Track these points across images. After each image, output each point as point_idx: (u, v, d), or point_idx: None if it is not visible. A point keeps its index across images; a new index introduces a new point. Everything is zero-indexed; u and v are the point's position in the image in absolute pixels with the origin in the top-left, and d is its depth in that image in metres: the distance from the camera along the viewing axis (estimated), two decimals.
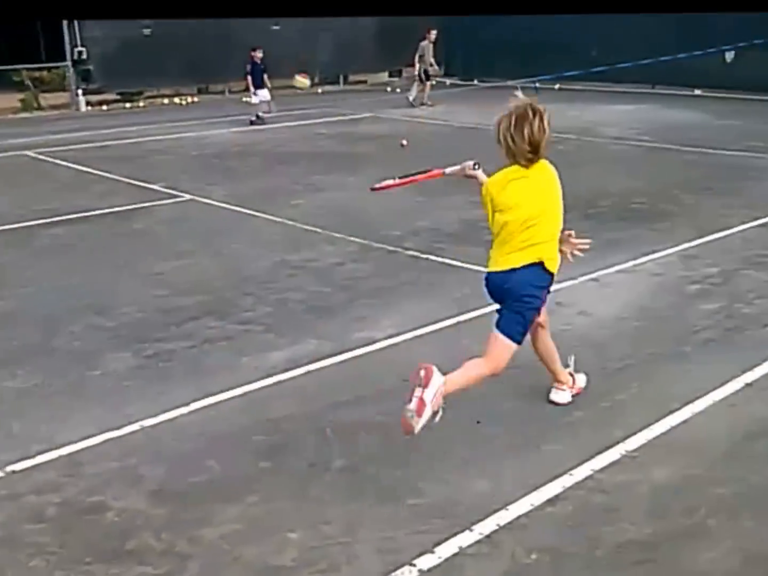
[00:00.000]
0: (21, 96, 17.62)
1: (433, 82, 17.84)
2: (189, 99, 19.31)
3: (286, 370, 4.47)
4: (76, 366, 4.63)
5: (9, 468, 3.51)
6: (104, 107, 18.13)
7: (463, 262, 6.28)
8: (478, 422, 3.82)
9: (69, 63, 17.60)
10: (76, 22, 17.03)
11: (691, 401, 3.98)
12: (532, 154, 3.44)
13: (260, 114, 14.55)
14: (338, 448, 3.63)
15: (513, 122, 3.41)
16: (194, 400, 4.10)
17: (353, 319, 5.26)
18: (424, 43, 17.07)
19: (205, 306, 5.54)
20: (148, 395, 4.22)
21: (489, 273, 3.62)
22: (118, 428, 3.84)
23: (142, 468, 3.52)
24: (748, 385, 4.19)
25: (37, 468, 3.53)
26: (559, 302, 5.12)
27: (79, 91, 17.77)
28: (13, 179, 10.45)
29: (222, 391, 4.20)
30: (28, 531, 3.10)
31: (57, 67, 17.99)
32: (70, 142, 12.88)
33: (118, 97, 18.76)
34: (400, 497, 3.25)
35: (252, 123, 14.47)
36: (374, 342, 4.83)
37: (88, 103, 17.95)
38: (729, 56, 17.08)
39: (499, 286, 3.56)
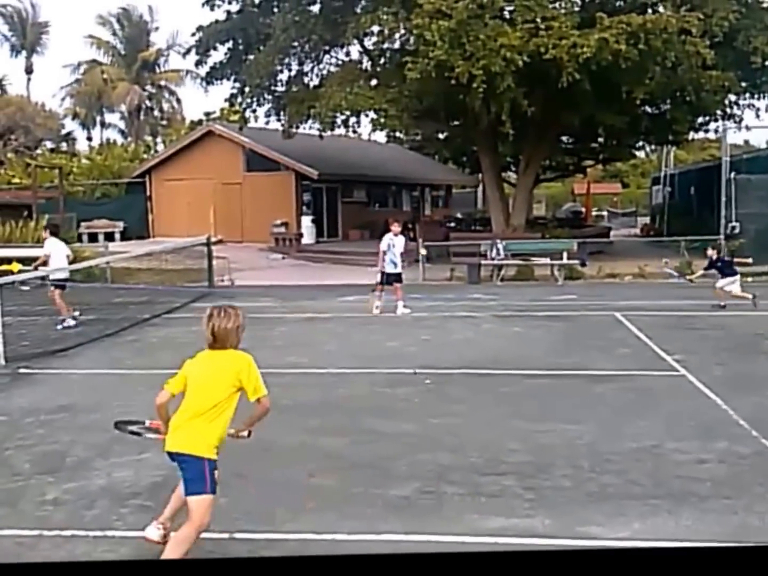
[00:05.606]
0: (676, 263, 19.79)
1: None
2: None
3: None
4: None
5: None
6: (749, 279, 18.79)
7: None
8: None
9: (722, 236, 18.97)
10: (733, 203, 18.38)
11: None
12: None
13: None
14: None
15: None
16: None
17: None
18: None
19: None
20: None
21: None
22: None
23: None
24: None
25: None
26: None
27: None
28: (575, 331, 12.52)
29: None
30: None
31: (712, 240, 19.55)
32: (663, 309, 14.35)
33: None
34: None
35: None
36: None
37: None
38: None
39: None
